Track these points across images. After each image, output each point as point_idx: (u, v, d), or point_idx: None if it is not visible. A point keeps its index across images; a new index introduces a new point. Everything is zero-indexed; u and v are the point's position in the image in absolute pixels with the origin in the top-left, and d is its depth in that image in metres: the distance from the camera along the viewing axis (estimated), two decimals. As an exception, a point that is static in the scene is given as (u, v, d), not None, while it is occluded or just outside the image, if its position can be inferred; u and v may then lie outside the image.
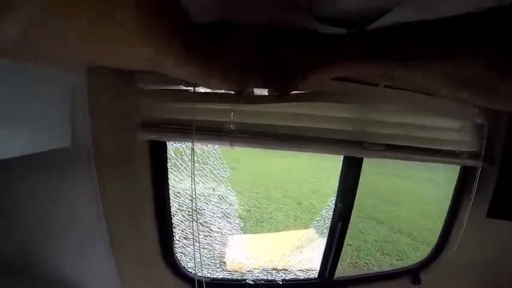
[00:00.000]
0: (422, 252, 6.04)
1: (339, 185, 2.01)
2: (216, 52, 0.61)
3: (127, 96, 1.52)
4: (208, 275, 2.19)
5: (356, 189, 1.99)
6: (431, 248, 2.42)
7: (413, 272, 2.34)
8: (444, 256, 2.32)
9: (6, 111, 0.99)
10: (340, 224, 2.02)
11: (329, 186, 8.89)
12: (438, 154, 1.78)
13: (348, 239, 6.33)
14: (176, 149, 1.90)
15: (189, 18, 0.53)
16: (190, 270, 2.00)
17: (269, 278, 2.14)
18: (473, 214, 2.13)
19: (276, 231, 6.23)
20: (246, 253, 3.51)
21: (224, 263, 2.63)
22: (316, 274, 2.23)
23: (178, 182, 2.00)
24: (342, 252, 2.14)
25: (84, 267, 1.74)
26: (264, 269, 2.50)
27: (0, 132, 0.97)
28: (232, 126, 1.47)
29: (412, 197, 8.56)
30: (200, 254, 1.83)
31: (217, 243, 2.39)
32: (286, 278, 2.13)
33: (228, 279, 2.13)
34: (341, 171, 1.98)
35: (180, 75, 0.59)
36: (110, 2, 0.36)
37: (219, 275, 2.25)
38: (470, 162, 1.85)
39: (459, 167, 2.07)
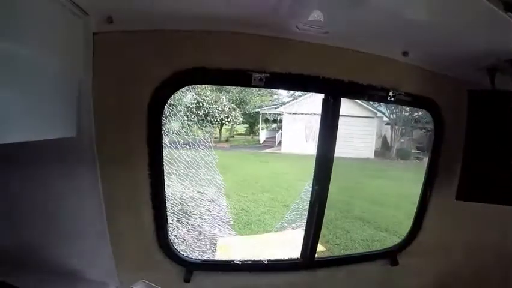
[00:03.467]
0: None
1: (315, 171, 2.20)
2: None
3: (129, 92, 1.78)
4: (199, 257, 2.33)
5: (331, 170, 2.18)
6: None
7: (391, 254, 2.56)
8: (419, 239, 2.54)
9: (15, 98, 1.12)
10: (317, 204, 2.19)
11: (317, 188, 8.94)
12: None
13: (335, 239, 6.43)
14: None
15: None
16: (183, 253, 2.15)
17: (255, 259, 2.31)
18: (443, 200, 2.42)
19: (264, 233, 6.33)
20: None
21: (214, 245, 2.76)
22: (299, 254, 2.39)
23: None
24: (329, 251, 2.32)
25: (83, 255, 1.88)
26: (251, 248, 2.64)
27: (6, 117, 1.08)
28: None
29: (397, 197, 8.65)
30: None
31: (207, 225, 2.54)
32: (272, 258, 2.29)
33: (217, 260, 2.28)
34: (316, 157, 2.17)
35: None
36: None
37: (209, 257, 2.39)
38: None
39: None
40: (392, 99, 2.13)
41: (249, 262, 2.25)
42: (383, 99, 2.22)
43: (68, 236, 1.82)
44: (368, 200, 8.40)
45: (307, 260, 2.34)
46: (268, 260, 2.25)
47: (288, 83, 1.97)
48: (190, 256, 2.18)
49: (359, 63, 2.03)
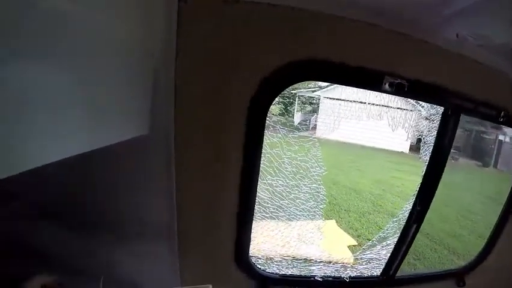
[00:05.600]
0: (439, 253, 6.04)
1: (420, 189, 2.02)
2: None
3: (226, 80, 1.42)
4: (277, 271, 2.19)
5: (434, 193, 2.01)
6: (477, 252, 2.50)
7: (459, 275, 2.41)
8: (489, 261, 2.40)
9: (81, 103, 0.86)
10: (415, 225, 2.04)
11: (349, 178, 8.84)
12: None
13: (368, 234, 6.38)
14: (272, 143, 1.82)
15: None
16: (259, 267, 1.99)
17: (336, 275, 2.17)
18: None
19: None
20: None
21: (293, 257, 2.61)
22: (379, 272, 2.26)
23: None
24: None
25: (145, 264, 1.64)
26: (332, 265, 2.53)
27: (73, 128, 0.84)
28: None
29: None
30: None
31: (294, 241, 2.40)
32: (352, 275, 2.17)
33: (297, 276, 2.15)
34: (424, 175, 1.99)
35: None
36: None
37: (288, 271, 2.25)
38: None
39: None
40: (502, 119, 1.91)
41: (330, 279, 2.09)
42: (491, 118, 2.00)
43: (129, 244, 1.56)
44: (401, 195, 8.25)
45: (389, 278, 2.20)
46: (349, 277, 2.11)
47: (417, 91, 1.69)
48: (268, 270, 2.01)
49: (481, 77, 1.81)
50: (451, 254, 6.12)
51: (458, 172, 8.92)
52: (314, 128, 9.93)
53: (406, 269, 5.88)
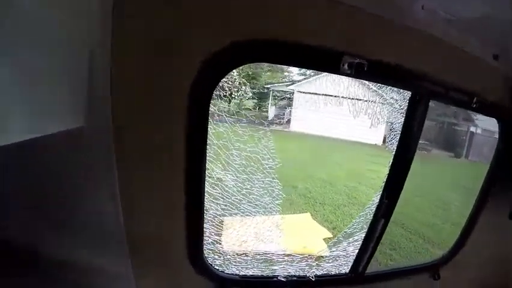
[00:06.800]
0: (415, 243, 6.12)
1: (386, 181, 1.92)
2: None
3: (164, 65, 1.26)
4: (237, 272, 2.05)
5: (404, 183, 1.91)
6: (451, 245, 2.47)
7: (433, 268, 2.38)
8: (463, 254, 2.36)
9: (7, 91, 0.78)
10: (383, 220, 1.93)
11: (325, 171, 8.87)
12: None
13: (342, 226, 6.39)
14: (219, 133, 1.66)
15: None
16: (217, 268, 1.86)
17: (301, 274, 2.07)
18: (493, 216, 2.25)
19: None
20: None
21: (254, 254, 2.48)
22: (348, 269, 2.16)
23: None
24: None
25: (96, 267, 1.46)
26: (296, 264, 2.41)
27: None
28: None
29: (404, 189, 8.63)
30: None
31: (252, 239, 2.27)
32: (318, 273, 2.08)
33: (258, 276, 2.03)
34: (391, 165, 1.88)
35: None
36: None
37: (249, 271, 2.11)
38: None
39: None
40: (474, 105, 1.83)
41: (294, 278, 1.97)
42: (463, 105, 1.95)
43: (76, 244, 1.38)
44: (374, 187, 8.30)
45: (358, 275, 2.10)
46: (315, 276, 2.00)
47: (380, 74, 1.56)
48: (227, 271, 1.88)
49: (452, 60, 1.71)
50: (426, 243, 6.20)
51: (430, 163, 9.08)
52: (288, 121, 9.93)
53: (382, 259, 5.93)
